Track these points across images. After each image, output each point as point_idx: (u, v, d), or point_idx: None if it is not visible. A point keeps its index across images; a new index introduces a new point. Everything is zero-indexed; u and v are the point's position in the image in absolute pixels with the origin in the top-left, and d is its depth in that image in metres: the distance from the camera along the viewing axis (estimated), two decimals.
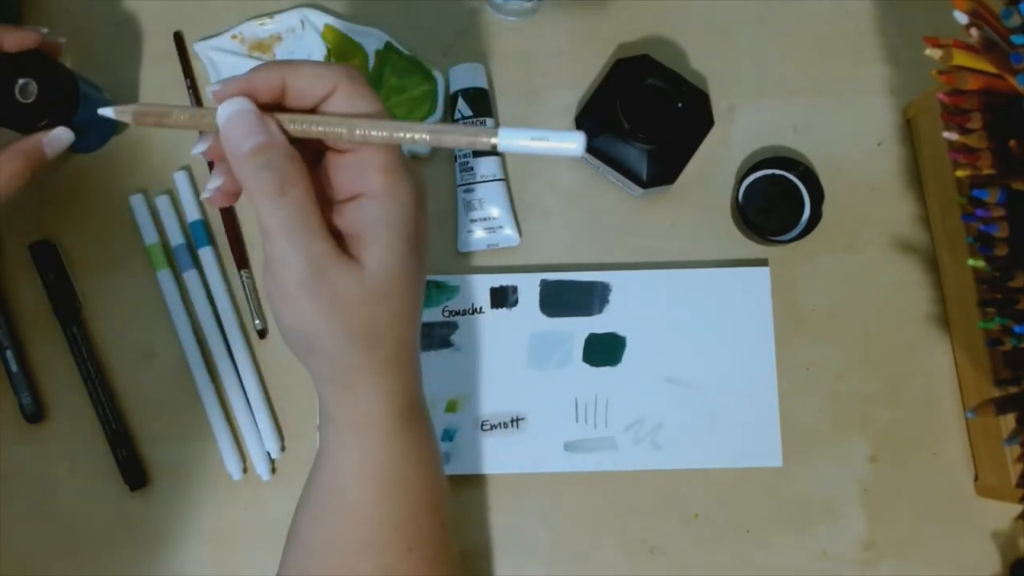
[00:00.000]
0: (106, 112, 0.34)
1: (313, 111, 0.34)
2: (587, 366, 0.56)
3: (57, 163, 0.57)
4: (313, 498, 0.39)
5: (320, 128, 0.33)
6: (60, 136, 0.49)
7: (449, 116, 0.59)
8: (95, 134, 0.57)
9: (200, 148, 0.34)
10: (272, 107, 0.33)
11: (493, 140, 0.31)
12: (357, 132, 0.33)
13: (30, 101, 0.50)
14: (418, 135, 0.32)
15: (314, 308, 0.33)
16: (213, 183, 0.34)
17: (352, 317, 0.34)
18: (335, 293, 0.33)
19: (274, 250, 0.32)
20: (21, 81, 0.49)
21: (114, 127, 0.58)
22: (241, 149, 0.32)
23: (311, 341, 0.34)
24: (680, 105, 0.54)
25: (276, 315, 0.35)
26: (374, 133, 0.33)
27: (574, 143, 0.31)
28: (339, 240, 0.34)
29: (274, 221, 0.32)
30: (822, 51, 0.61)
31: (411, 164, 0.36)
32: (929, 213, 0.59)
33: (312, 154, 0.35)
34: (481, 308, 0.57)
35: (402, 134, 0.32)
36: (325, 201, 0.35)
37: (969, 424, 0.57)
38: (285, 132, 0.33)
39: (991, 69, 0.46)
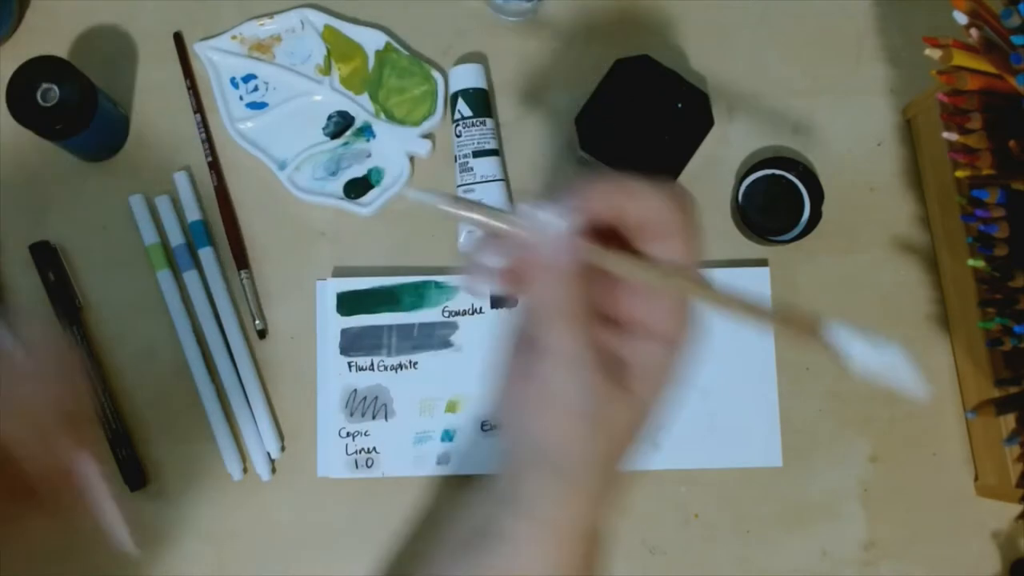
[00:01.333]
0: (416, 196, 0.29)
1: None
2: None
3: (59, 167, 0.58)
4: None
5: (638, 276, 0.31)
6: None
7: (449, 116, 0.59)
8: (105, 145, 0.58)
9: (492, 260, 0.32)
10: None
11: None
12: (669, 285, 0.31)
13: (50, 105, 0.50)
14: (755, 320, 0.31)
15: (580, 433, 0.32)
16: (489, 260, 0.32)
17: (613, 446, 0.33)
18: (610, 424, 0.32)
19: (555, 374, 0.31)
20: (44, 85, 0.50)
21: (123, 140, 0.59)
22: (559, 262, 0.30)
23: (549, 453, 0.33)
24: (680, 105, 0.54)
25: (511, 418, 0.34)
26: (691, 294, 0.31)
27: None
28: (607, 359, 0.32)
29: (564, 346, 0.31)
30: (822, 51, 0.61)
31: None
32: (929, 213, 0.59)
33: None
34: (481, 308, 0.57)
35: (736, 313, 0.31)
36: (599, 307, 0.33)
37: (969, 424, 0.57)
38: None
39: (991, 69, 0.46)
